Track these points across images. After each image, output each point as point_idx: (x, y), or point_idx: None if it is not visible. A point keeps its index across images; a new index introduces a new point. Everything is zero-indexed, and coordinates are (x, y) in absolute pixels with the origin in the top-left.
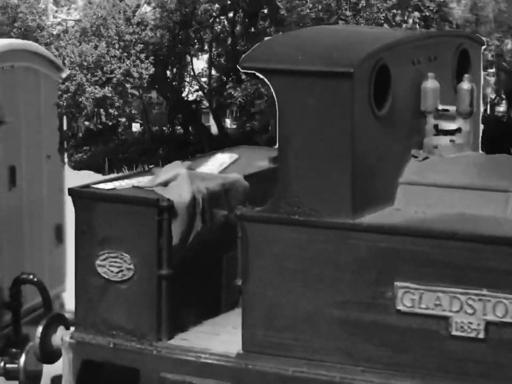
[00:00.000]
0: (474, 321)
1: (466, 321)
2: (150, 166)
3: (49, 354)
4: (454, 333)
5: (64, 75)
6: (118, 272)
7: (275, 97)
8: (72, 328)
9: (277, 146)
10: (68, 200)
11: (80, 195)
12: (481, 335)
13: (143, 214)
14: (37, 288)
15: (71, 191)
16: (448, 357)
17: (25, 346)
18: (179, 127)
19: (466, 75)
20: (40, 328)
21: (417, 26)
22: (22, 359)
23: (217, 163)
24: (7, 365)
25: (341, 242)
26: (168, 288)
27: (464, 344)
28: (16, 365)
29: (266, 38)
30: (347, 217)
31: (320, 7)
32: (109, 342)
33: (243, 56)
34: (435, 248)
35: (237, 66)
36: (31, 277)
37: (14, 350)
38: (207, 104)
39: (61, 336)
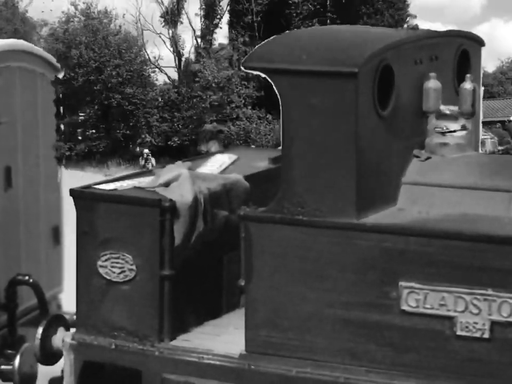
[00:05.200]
0: (480, 321)
1: (471, 321)
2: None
3: (49, 355)
4: (459, 333)
5: (60, 75)
6: (120, 273)
7: (278, 97)
8: (72, 329)
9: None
10: (65, 201)
11: (82, 196)
12: (486, 335)
13: (145, 215)
14: (32, 290)
15: (73, 192)
16: (453, 357)
17: (20, 347)
18: None
19: (468, 75)
20: (40, 330)
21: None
22: (17, 360)
23: (217, 163)
24: (2, 366)
25: (345, 242)
26: (170, 289)
27: (469, 344)
28: (11, 367)
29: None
30: (351, 217)
31: None
32: (110, 343)
33: (246, 55)
34: (440, 248)
35: (240, 66)
36: (27, 278)
37: (9, 351)
38: None
39: (62, 337)
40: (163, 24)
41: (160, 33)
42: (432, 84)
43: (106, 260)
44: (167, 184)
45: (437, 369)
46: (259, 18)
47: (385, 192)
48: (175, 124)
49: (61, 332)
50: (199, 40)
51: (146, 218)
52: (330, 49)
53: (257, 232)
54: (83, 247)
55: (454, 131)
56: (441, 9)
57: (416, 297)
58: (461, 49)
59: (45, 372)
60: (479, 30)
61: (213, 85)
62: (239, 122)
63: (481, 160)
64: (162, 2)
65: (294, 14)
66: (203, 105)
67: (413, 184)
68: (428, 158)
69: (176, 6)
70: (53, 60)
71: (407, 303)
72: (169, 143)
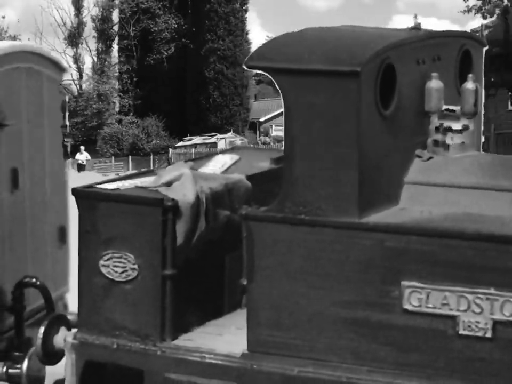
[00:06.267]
0: (482, 320)
1: (473, 320)
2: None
3: (51, 355)
4: (461, 332)
5: (66, 76)
6: (122, 272)
7: (281, 96)
8: (74, 329)
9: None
10: (71, 202)
11: (84, 195)
12: (488, 334)
13: (147, 214)
14: (39, 292)
15: (75, 191)
16: (455, 356)
17: (28, 349)
18: None
19: (470, 75)
20: (42, 329)
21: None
22: (25, 364)
23: (218, 164)
24: (10, 370)
25: (347, 241)
26: (172, 288)
27: (472, 343)
28: (18, 370)
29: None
30: (353, 217)
31: None
32: (112, 343)
33: (249, 54)
34: (442, 247)
35: (243, 65)
36: (34, 280)
37: (16, 353)
38: None
39: (64, 337)
40: (66, 44)
41: (63, 52)
42: (434, 83)
43: (108, 259)
44: (169, 184)
45: (439, 368)
46: (136, 42)
47: (387, 191)
48: (71, 128)
49: (62, 331)
50: (95, 58)
51: (149, 218)
52: (333, 48)
53: (259, 232)
54: (85, 247)
55: (456, 131)
56: (435, 4)
57: (418, 297)
58: (463, 50)
59: (50, 372)
60: (472, 25)
61: (95, 96)
62: (112, 126)
63: (484, 159)
64: (65, 25)
65: (158, 39)
66: (85, 112)
67: (415, 184)
68: (430, 158)
69: (77, 30)
70: (59, 60)
71: (409, 302)
72: (65, 143)
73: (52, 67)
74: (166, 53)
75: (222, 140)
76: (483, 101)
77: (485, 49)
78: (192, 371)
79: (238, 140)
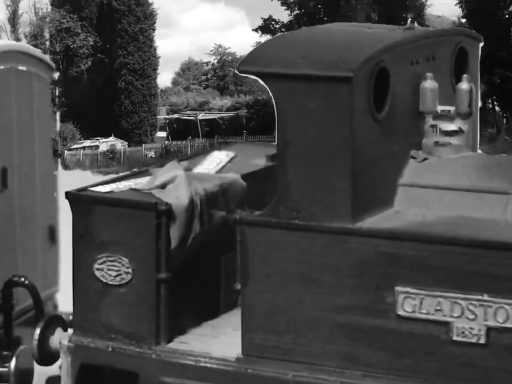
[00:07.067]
0: (475, 326)
1: (467, 326)
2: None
3: (47, 356)
4: (455, 338)
5: (56, 75)
6: (116, 276)
7: (273, 101)
8: (70, 330)
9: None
10: (61, 201)
11: (78, 198)
12: (482, 341)
13: (141, 218)
14: (28, 291)
15: (69, 195)
16: (449, 362)
17: (16, 348)
18: None
19: (465, 75)
20: (38, 330)
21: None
22: (13, 362)
23: (214, 162)
24: None
25: (341, 246)
26: (167, 292)
27: (465, 349)
28: (6, 368)
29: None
30: (346, 222)
31: None
32: (107, 346)
33: (241, 59)
34: (436, 253)
35: (235, 70)
36: (23, 279)
37: (5, 352)
38: None
39: (59, 338)
40: None
41: None
42: (429, 84)
43: (102, 263)
44: (163, 186)
45: (433, 374)
46: (61, 56)
47: (382, 194)
48: None
49: (58, 332)
50: None
51: (143, 222)
52: (325, 53)
53: (253, 237)
54: (79, 250)
55: (451, 132)
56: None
57: (412, 302)
58: (459, 47)
59: (41, 371)
60: None
61: None
62: None
63: (479, 161)
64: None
65: (78, 54)
66: None
67: (409, 186)
68: (425, 159)
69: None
70: (48, 60)
71: (403, 308)
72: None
73: (41, 66)
74: (84, 67)
75: (104, 143)
76: (479, 99)
77: (481, 44)
78: (187, 375)
79: (119, 144)
